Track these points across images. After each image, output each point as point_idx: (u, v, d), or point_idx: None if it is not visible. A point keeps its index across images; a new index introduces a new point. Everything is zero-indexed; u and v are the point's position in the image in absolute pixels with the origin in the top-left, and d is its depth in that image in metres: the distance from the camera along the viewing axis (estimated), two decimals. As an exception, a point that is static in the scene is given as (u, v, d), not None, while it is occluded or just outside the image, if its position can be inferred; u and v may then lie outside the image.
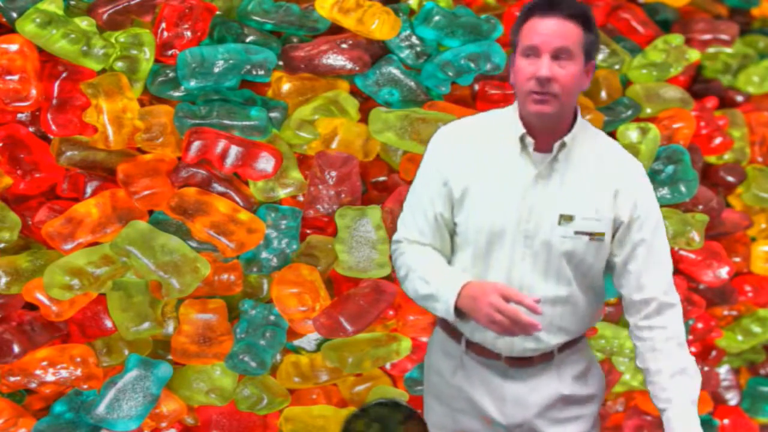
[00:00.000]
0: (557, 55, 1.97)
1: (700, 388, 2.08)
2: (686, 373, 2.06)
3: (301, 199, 2.87)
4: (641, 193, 2.09)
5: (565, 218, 2.04)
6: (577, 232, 2.04)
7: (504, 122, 2.10)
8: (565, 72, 1.97)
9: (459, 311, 1.99)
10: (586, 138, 2.10)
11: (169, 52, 2.71)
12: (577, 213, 2.04)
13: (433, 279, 2.03)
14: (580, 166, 2.07)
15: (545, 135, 2.05)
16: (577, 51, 1.98)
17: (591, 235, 2.04)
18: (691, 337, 3.32)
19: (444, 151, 2.13)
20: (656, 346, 2.07)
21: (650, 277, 2.08)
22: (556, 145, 2.04)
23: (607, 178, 2.07)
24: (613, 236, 2.08)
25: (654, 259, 2.08)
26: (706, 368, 3.35)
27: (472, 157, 2.09)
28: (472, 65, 2.91)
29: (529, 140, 2.05)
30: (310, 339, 2.94)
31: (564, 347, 2.15)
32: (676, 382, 2.05)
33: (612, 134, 3.11)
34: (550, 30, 1.97)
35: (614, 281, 2.14)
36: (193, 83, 2.68)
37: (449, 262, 2.15)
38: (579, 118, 2.09)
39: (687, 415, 2.02)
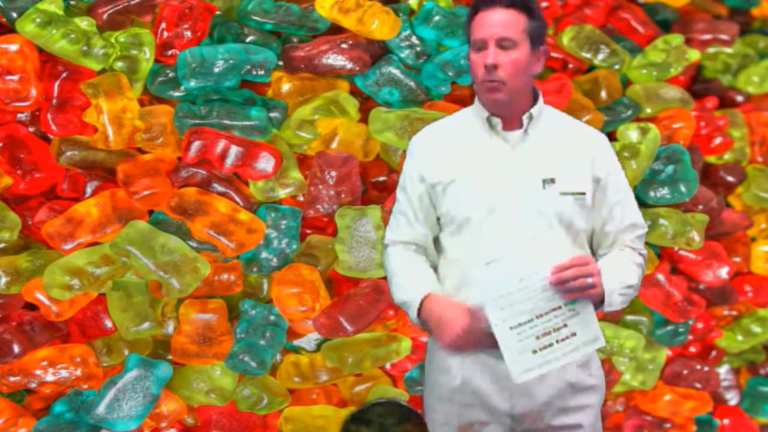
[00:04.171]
0: (502, 44, 2.11)
1: (634, 284, 2.15)
2: (630, 263, 2.17)
3: (301, 199, 2.87)
4: (613, 159, 2.24)
5: (548, 181, 2.14)
6: (562, 193, 2.14)
7: (469, 114, 2.26)
8: (509, 59, 2.11)
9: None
10: (552, 114, 2.26)
11: (169, 52, 2.71)
12: (557, 175, 2.15)
13: (405, 287, 2.17)
14: (553, 135, 2.20)
15: (509, 115, 2.18)
16: (521, 38, 2.12)
17: (574, 194, 2.15)
18: (691, 337, 3.32)
19: (416, 151, 2.26)
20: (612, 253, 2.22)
21: (626, 236, 2.22)
22: (524, 117, 2.17)
23: (581, 145, 2.20)
24: (593, 199, 2.19)
25: (629, 220, 2.22)
26: (706, 368, 3.35)
27: (445, 150, 2.22)
28: (472, 65, 2.91)
29: (496, 120, 2.18)
30: (310, 339, 2.94)
31: None
32: (619, 256, 2.19)
33: (612, 134, 3.11)
34: (494, 21, 2.12)
35: (594, 242, 2.25)
36: (193, 83, 2.68)
37: (442, 248, 2.23)
38: (541, 97, 2.23)
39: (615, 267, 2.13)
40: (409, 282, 2.17)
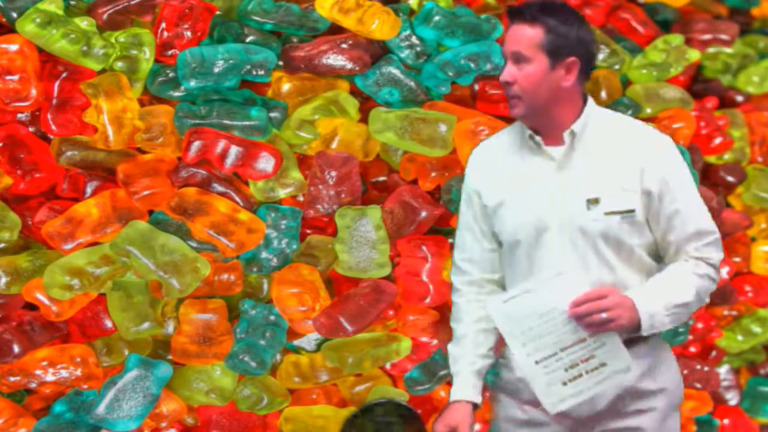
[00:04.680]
0: (517, 59, 2.12)
1: (685, 307, 2.11)
2: (679, 278, 2.11)
3: (301, 199, 2.87)
4: (669, 166, 2.16)
5: (592, 201, 2.12)
6: (606, 213, 2.11)
7: (516, 130, 2.24)
8: (522, 74, 2.11)
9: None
10: (603, 123, 2.19)
11: (169, 52, 2.71)
12: (602, 194, 2.11)
13: (456, 366, 2.26)
14: (599, 150, 2.15)
15: (551, 129, 2.16)
16: (534, 53, 2.10)
17: (621, 213, 2.11)
18: (691, 337, 3.32)
19: (473, 169, 2.29)
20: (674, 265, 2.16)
21: (690, 245, 2.15)
22: (566, 135, 2.14)
23: (630, 156, 2.14)
24: (648, 212, 2.14)
25: (691, 228, 2.14)
26: (706, 368, 3.34)
27: (496, 169, 2.23)
28: (472, 65, 2.91)
29: (538, 138, 2.16)
30: (310, 339, 2.94)
31: (630, 340, 2.13)
32: (671, 272, 2.13)
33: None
34: (510, 37, 2.14)
35: (660, 252, 2.20)
36: (193, 83, 2.68)
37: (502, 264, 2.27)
38: (590, 106, 2.18)
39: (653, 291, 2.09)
40: (459, 366, 2.24)
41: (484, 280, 2.26)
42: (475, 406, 2.21)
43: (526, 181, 2.17)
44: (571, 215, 2.12)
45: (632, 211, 2.11)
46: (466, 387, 2.21)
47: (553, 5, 2.15)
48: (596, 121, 2.18)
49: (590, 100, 2.20)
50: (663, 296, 2.07)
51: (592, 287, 2.06)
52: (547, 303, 2.03)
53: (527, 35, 2.10)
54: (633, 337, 2.13)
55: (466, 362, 2.23)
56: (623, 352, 2.05)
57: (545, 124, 2.15)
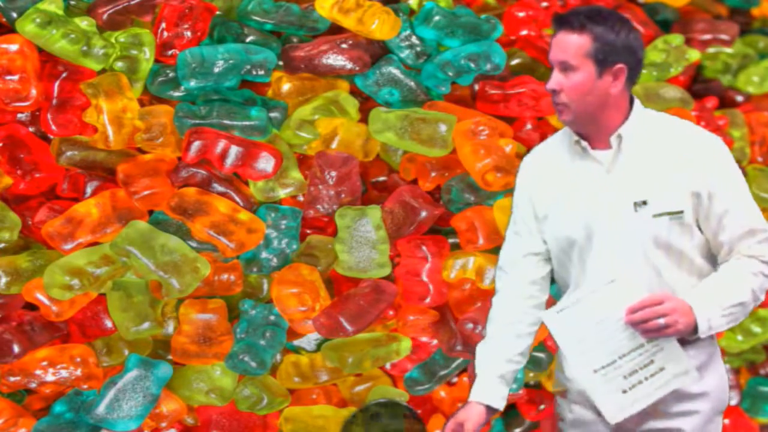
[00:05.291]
0: (564, 68, 2.11)
1: (738, 309, 2.06)
2: (733, 277, 2.07)
3: (301, 199, 2.87)
4: (717, 166, 2.13)
5: (639, 204, 2.10)
6: (655, 215, 2.09)
7: (564, 135, 2.25)
8: (569, 83, 2.10)
9: None
10: (650, 125, 2.18)
11: (169, 52, 2.71)
12: (649, 197, 2.10)
13: (479, 369, 2.26)
14: (647, 152, 2.14)
15: (598, 134, 2.15)
16: (581, 61, 2.09)
17: (669, 214, 2.09)
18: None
19: (524, 175, 2.30)
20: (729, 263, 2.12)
21: (743, 244, 2.12)
22: (613, 139, 2.14)
23: (678, 158, 2.12)
24: (698, 213, 2.12)
25: (743, 227, 2.11)
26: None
27: (546, 175, 2.23)
28: (472, 65, 2.91)
29: (584, 143, 2.16)
30: (310, 339, 2.94)
31: (680, 340, 2.10)
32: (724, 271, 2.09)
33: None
34: (555, 45, 2.13)
35: (713, 252, 2.17)
36: (193, 83, 2.68)
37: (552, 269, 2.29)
38: (637, 108, 2.18)
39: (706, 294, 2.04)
40: (481, 370, 2.24)
41: (527, 283, 2.26)
42: (492, 409, 2.20)
43: (575, 186, 2.17)
44: (619, 218, 2.11)
45: (681, 212, 2.09)
46: (481, 389, 2.20)
47: (599, 12, 2.13)
48: (643, 123, 2.17)
49: (637, 103, 2.19)
50: (718, 297, 2.04)
51: (644, 292, 2.04)
52: (602, 311, 2.02)
53: (574, 44, 2.08)
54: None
55: (488, 364, 2.22)
56: (682, 356, 2.03)
57: (592, 130, 2.15)
